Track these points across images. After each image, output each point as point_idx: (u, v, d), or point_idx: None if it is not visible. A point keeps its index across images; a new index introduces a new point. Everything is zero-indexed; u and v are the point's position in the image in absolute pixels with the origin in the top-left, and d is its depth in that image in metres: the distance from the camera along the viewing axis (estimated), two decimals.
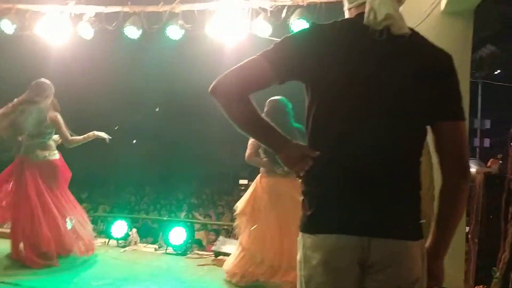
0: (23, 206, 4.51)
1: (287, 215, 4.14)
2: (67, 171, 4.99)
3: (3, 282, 3.81)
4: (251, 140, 4.41)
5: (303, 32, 1.55)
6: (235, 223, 4.64)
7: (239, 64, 1.48)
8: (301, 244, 1.49)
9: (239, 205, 4.50)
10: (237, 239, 4.64)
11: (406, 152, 1.46)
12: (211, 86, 1.47)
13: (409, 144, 1.46)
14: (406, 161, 1.46)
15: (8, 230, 4.71)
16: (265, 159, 4.38)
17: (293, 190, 4.06)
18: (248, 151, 4.46)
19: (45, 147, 4.74)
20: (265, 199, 4.33)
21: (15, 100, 4.74)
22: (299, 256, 1.50)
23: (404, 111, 1.43)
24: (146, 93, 14.46)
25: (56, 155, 4.84)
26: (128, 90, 13.99)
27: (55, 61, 6.76)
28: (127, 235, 5.84)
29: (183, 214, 11.74)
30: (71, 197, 4.94)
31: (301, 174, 1.51)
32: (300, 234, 1.51)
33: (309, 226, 1.47)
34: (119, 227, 5.87)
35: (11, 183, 4.69)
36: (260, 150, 4.39)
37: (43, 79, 4.88)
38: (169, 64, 10.75)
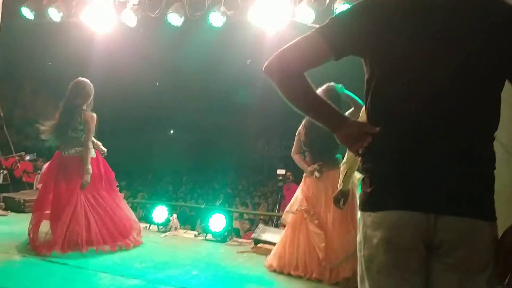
0: (52, 200, 4.56)
1: (327, 215, 4.13)
2: (107, 171, 4.92)
3: (51, 261, 3.93)
4: (298, 133, 4.45)
5: (357, 5, 1.46)
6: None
7: (293, 41, 1.43)
8: (361, 224, 1.42)
9: (295, 204, 4.38)
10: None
11: (478, 123, 1.33)
12: (265, 64, 1.44)
13: (482, 114, 1.34)
14: (478, 133, 1.34)
15: None
16: (305, 164, 4.39)
17: (330, 190, 4.07)
18: (293, 147, 4.52)
19: (80, 143, 4.67)
20: (311, 198, 4.29)
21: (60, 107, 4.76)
22: (359, 237, 1.44)
23: (475, 75, 1.31)
24: (186, 82, 14.58)
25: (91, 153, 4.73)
26: (169, 79, 14.14)
27: (100, 48, 6.90)
28: (168, 220, 5.91)
29: (219, 202, 11.84)
30: (107, 196, 4.82)
31: (360, 152, 1.45)
32: (360, 213, 1.44)
33: (369, 203, 1.40)
34: (160, 213, 5.94)
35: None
36: (303, 144, 4.39)
37: (80, 79, 4.84)
38: (210, 53, 10.80)
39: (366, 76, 1.44)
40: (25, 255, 4.04)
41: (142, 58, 11.05)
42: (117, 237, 4.65)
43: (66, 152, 4.67)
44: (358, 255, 1.44)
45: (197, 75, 13.80)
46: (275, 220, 8.68)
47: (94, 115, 4.72)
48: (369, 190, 1.40)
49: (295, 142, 4.51)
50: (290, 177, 9.55)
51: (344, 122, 1.45)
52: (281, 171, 8.82)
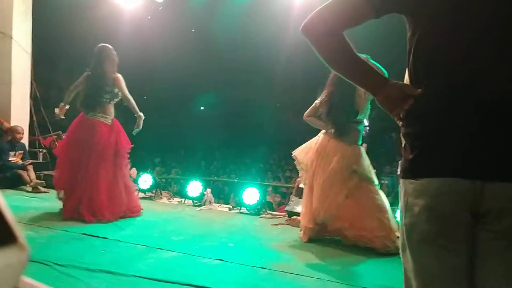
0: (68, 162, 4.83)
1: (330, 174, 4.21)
2: (120, 142, 4.93)
3: (91, 235, 4.04)
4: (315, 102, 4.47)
5: None
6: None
7: None
8: (403, 192, 1.37)
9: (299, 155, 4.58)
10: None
11: None
12: (302, 23, 1.38)
13: None
14: None
15: None
16: (321, 122, 4.45)
17: (340, 153, 4.23)
18: (307, 111, 4.52)
19: (102, 109, 4.82)
20: (316, 154, 4.38)
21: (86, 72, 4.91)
22: (400, 205, 1.39)
23: None
24: (215, 56, 14.52)
25: (107, 120, 4.86)
26: (198, 53, 14.12)
27: (129, 25, 6.92)
28: (202, 194, 5.99)
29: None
30: (110, 166, 4.83)
31: (402, 116, 1.37)
32: (401, 181, 1.38)
33: (411, 170, 1.34)
34: (194, 187, 6.03)
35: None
36: (320, 111, 4.41)
37: (104, 45, 4.89)
38: (237, 25, 10.68)
39: (408, 34, 1.36)
40: (66, 230, 4.17)
41: (171, 33, 11.03)
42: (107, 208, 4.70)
43: (87, 115, 4.82)
44: (400, 224, 1.39)
45: (226, 49, 13.71)
46: None
47: (120, 75, 4.83)
48: (410, 156, 1.33)
49: (311, 107, 4.48)
50: None
51: (385, 84, 1.38)
52: None
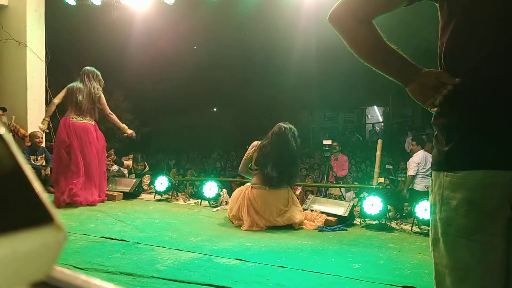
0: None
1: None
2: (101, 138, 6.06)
3: (111, 238, 4.07)
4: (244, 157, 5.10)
5: None
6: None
7: None
8: (436, 185, 1.31)
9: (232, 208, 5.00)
10: None
11: None
12: (330, 11, 1.34)
13: None
14: None
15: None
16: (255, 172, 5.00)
17: (277, 201, 4.84)
18: (240, 166, 5.25)
19: (90, 115, 5.87)
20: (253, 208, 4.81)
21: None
22: (432, 199, 1.33)
23: None
24: (224, 59, 14.56)
25: (92, 122, 5.93)
26: (209, 55, 14.17)
27: (141, 28, 6.95)
28: (218, 195, 6.00)
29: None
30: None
31: (437, 103, 1.31)
32: (434, 173, 1.33)
33: (447, 162, 1.28)
34: (210, 188, 6.03)
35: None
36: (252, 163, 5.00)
37: (93, 69, 5.82)
38: (248, 27, 10.71)
39: (441, 23, 1.32)
40: (85, 234, 4.21)
41: (182, 36, 11.07)
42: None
43: (75, 119, 5.71)
44: (431, 218, 1.34)
45: (239, 50, 13.72)
46: (323, 190, 8.65)
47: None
48: (446, 148, 1.27)
49: (242, 162, 5.15)
50: (337, 147, 9.44)
51: (418, 72, 1.32)
52: (327, 141, 8.75)
